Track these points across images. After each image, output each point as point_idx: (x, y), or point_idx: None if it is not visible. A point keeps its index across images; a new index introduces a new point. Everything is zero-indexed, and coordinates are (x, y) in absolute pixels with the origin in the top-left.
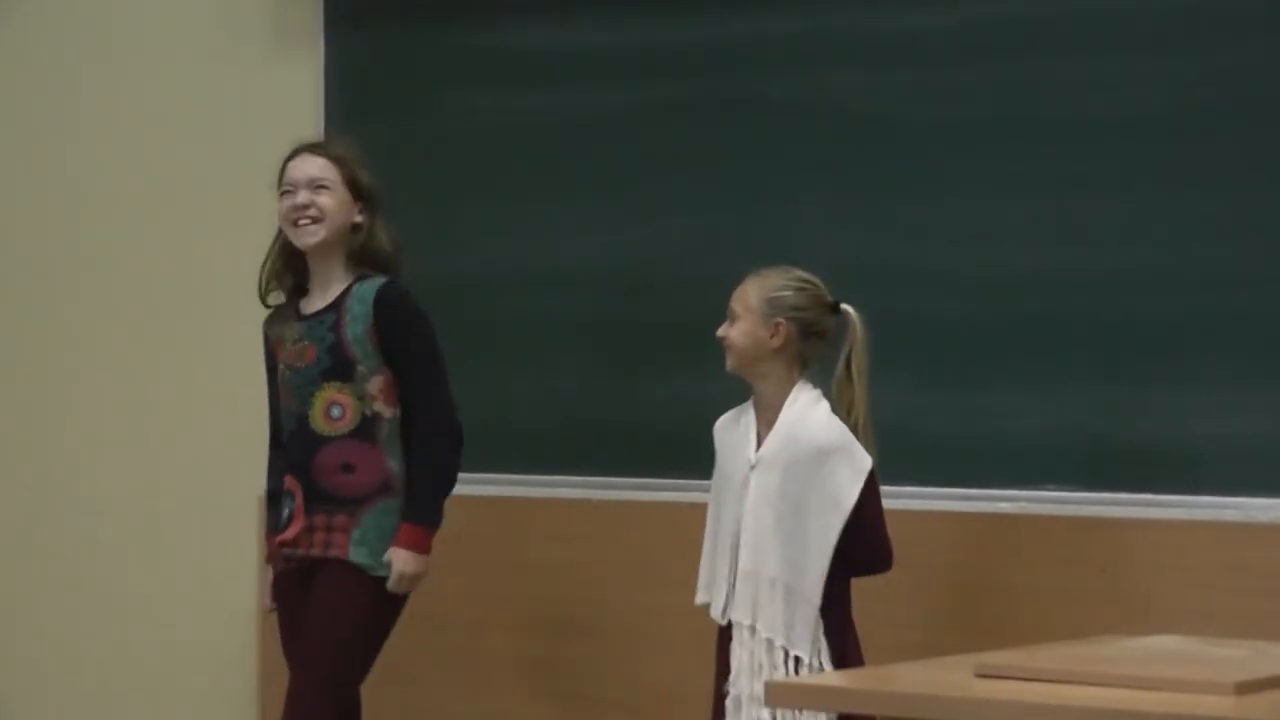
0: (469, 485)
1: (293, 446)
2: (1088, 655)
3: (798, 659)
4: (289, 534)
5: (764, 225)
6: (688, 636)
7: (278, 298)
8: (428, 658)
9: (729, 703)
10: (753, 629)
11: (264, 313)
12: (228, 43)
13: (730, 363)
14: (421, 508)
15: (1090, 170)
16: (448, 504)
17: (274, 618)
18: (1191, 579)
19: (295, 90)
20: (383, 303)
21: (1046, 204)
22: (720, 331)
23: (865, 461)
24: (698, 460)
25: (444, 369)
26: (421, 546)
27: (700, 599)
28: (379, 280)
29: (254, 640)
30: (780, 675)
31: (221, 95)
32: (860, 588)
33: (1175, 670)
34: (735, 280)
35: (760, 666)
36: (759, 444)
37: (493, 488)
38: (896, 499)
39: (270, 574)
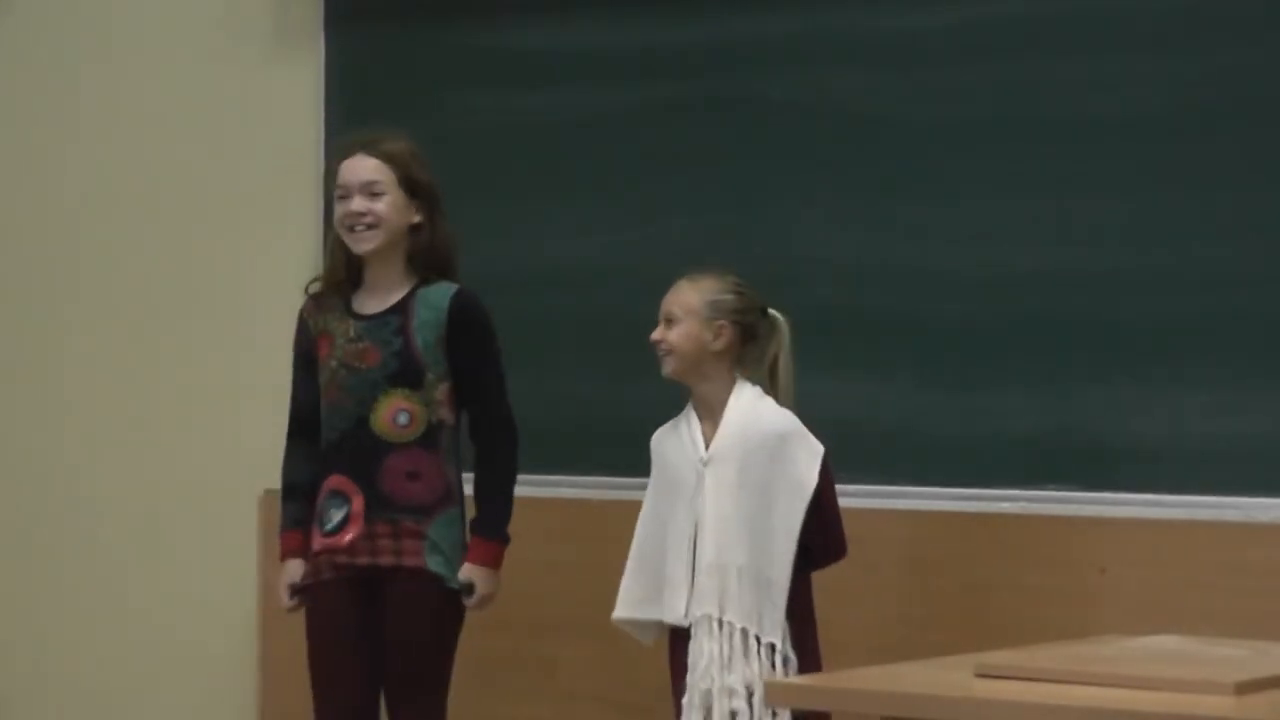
0: (469, 485)
1: (346, 448)
2: (1088, 655)
3: (771, 645)
4: (344, 539)
5: (764, 225)
6: None
7: (315, 287)
8: None
9: (690, 699)
10: (720, 621)
11: (263, 314)
12: (228, 43)
13: (670, 367)
14: (497, 523)
15: (1090, 170)
16: None
17: (293, 619)
18: (1191, 579)
19: (295, 90)
20: (458, 312)
21: (1046, 204)
22: (656, 335)
23: (819, 446)
24: None
25: (505, 377)
26: (498, 563)
27: (625, 613)
28: (447, 286)
29: (254, 642)
30: (754, 664)
31: (221, 95)
32: (860, 587)
33: (1175, 670)
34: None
35: (728, 658)
36: (705, 444)
37: None
38: (896, 499)
39: (289, 573)
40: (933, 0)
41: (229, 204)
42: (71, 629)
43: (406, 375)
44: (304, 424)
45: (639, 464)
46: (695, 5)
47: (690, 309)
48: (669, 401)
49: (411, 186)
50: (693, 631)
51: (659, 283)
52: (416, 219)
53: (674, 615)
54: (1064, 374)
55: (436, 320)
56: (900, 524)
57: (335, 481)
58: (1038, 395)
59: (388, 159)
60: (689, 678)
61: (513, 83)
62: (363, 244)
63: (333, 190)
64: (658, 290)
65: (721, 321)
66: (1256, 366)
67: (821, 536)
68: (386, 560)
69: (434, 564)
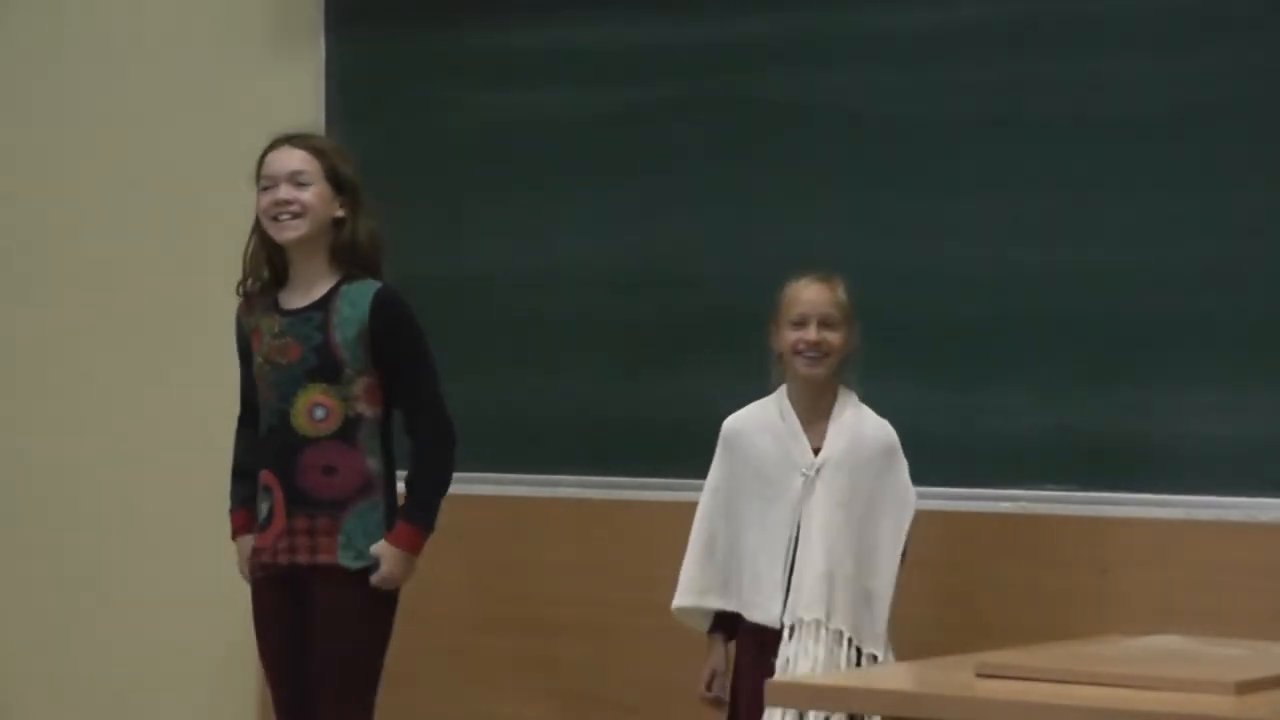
0: (469, 485)
1: (271, 443)
2: (1088, 655)
3: (874, 657)
4: (269, 536)
5: (764, 225)
6: (688, 636)
7: (251, 287)
8: (427, 657)
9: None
10: (826, 627)
11: None
12: (228, 43)
13: (825, 369)
14: (420, 510)
15: (1090, 170)
16: (447, 503)
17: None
18: (1191, 579)
19: (295, 90)
20: (380, 307)
21: (1047, 203)
22: (814, 337)
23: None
24: (698, 459)
25: (436, 371)
26: (415, 547)
27: (689, 602)
28: (370, 283)
29: (254, 642)
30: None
31: (221, 95)
32: None
33: (1175, 670)
34: (735, 280)
35: (827, 664)
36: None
37: (493, 487)
38: None
39: (244, 547)
40: (933, 0)
41: (229, 203)
42: (71, 629)
43: (325, 370)
44: (250, 412)
45: (639, 464)
46: (695, 5)
47: (845, 312)
48: (669, 401)
49: (337, 180)
50: (792, 634)
51: (659, 283)
52: (340, 213)
53: (765, 616)
54: (1064, 374)
55: (357, 317)
56: None
57: (264, 476)
58: (1038, 395)
59: (314, 151)
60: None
61: (513, 83)
62: (287, 232)
63: (257, 183)
64: (658, 290)
65: (854, 324)
66: (1256, 366)
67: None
68: (304, 559)
69: (345, 559)
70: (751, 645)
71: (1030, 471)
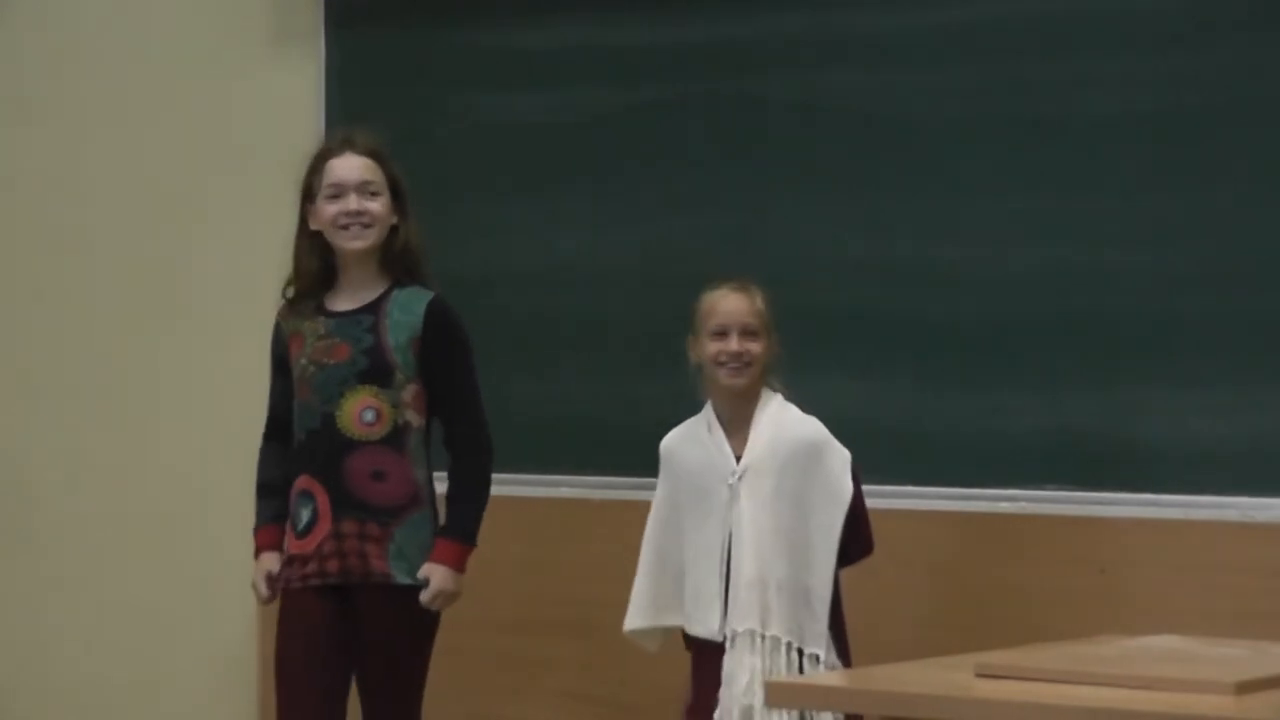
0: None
1: (314, 446)
2: (1088, 655)
3: (815, 656)
4: (313, 542)
5: (764, 225)
6: None
7: (291, 291)
8: None
9: (729, 714)
10: (762, 636)
11: (265, 311)
12: (228, 43)
13: (747, 379)
14: (464, 526)
15: (1090, 170)
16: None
17: (280, 627)
18: (1191, 579)
19: (295, 90)
20: (434, 317)
21: (1047, 203)
22: (737, 347)
23: (846, 451)
24: None
25: (479, 386)
26: (461, 565)
27: (640, 623)
28: (423, 291)
29: (254, 642)
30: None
31: (221, 95)
32: (861, 588)
33: (1175, 670)
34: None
35: (769, 672)
36: (734, 455)
37: (493, 487)
38: (897, 499)
39: (265, 564)
40: (933, 0)
41: (229, 204)
42: (71, 628)
43: (375, 373)
44: (279, 427)
45: (639, 464)
46: (695, 5)
47: (764, 320)
48: (669, 402)
49: (395, 187)
50: (731, 645)
51: (659, 283)
52: (394, 219)
53: (705, 629)
54: (1064, 374)
55: (411, 324)
56: (900, 524)
57: (303, 482)
58: (1038, 395)
59: (378, 159)
60: (726, 692)
61: (513, 83)
62: (358, 242)
63: (314, 187)
64: (658, 290)
65: (773, 332)
66: (1256, 366)
67: (853, 538)
68: (356, 572)
69: (399, 573)
70: (698, 658)
71: (1030, 471)
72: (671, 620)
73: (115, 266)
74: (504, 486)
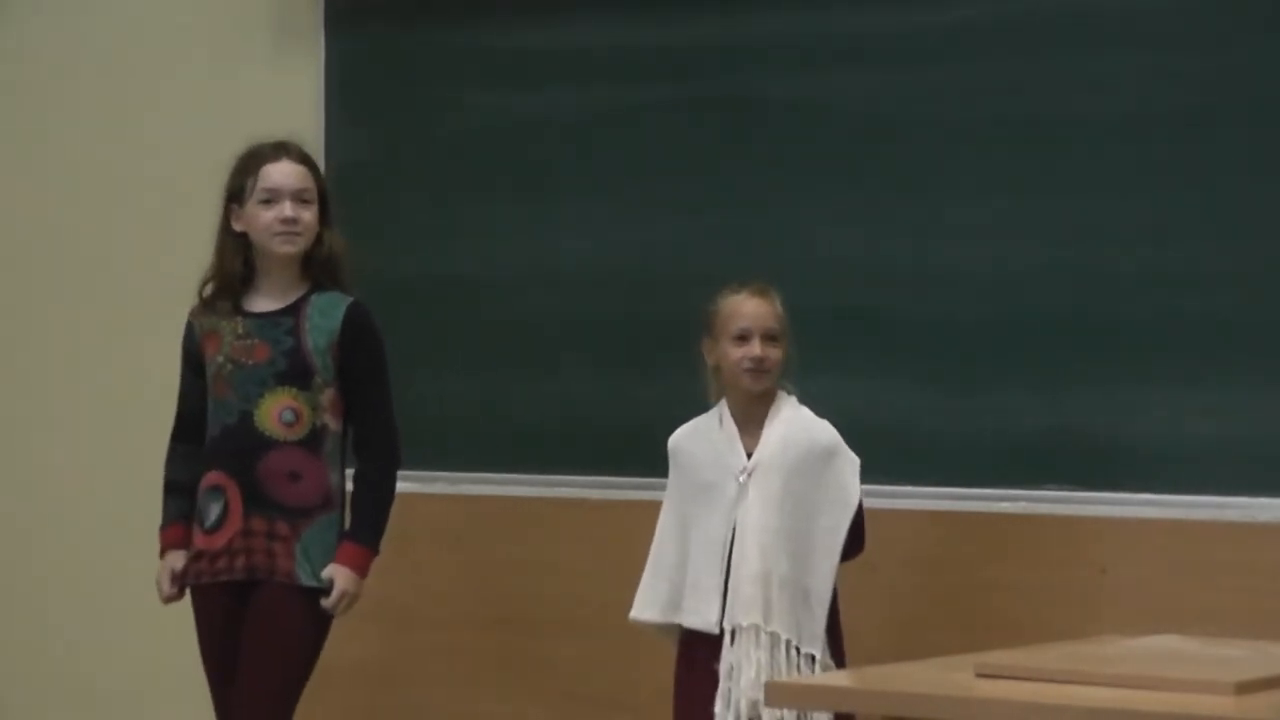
0: (467, 485)
1: (229, 442)
2: (1088, 655)
3: (811, 657)
4: (221, 538)
5: (764, 225)
6: None
7: (210, 289)
8: (426, 657)
9: (730, 707)
10: (763, 630)
11: None
12: (228, 43)
13: (770, 382)
14: (369, 530)
15: (1090, 170)
16: (445, 503)
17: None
18: (1191, 579)
19: (295, 90)
20: (352, 322)
21: (1047, 204)
22: (760, 352)
23: (855, 457)
24: None
25: (392, 394)
26: (364, 568)
27: (646, 615)
28: (341, 296)
29: None
30: (795, 674)
31: (221, 95)
32: (861, 587)
33: (1175, 670)
34: (735, 280)
35: (769, 668)
36: (745, 452)
37: (493, 488)
38: (897, 499)
39: (170, 562)
40: (933, 0)
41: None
42: (70, 628)
43: (295, 375)
44: (187, 426)
45: (639, 464)
46: (695, 5)
47: (784, 324)
48: (669, 401)
49: (323, 195)
50: (733, 639)
51: (659, 283)
52: (318, 227)
53: (703, 622)
54: (1064, 374)
55: (329, 328)
56: (900, 524)
57: (214, 477)
58: (1038, 395)
59: (312, 167)
60: (728, 684)
61: (513, 83)
62: (288, 247)
63: (244, 189)
64: (657, 290)
65: (789, 334)
66: (1255, 366)
67: (851, 538)
68: (261, 566)
69: (303, 574)
70: (688, 650)
71: (1030, 471)
72: (673, 616)
73: (114, 266)
74: (502, 487)
